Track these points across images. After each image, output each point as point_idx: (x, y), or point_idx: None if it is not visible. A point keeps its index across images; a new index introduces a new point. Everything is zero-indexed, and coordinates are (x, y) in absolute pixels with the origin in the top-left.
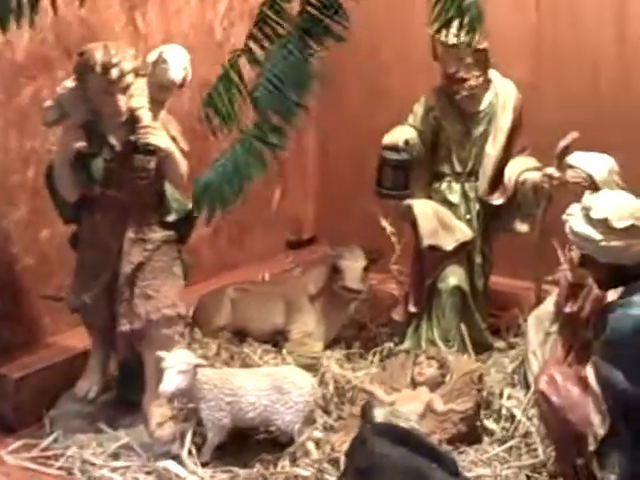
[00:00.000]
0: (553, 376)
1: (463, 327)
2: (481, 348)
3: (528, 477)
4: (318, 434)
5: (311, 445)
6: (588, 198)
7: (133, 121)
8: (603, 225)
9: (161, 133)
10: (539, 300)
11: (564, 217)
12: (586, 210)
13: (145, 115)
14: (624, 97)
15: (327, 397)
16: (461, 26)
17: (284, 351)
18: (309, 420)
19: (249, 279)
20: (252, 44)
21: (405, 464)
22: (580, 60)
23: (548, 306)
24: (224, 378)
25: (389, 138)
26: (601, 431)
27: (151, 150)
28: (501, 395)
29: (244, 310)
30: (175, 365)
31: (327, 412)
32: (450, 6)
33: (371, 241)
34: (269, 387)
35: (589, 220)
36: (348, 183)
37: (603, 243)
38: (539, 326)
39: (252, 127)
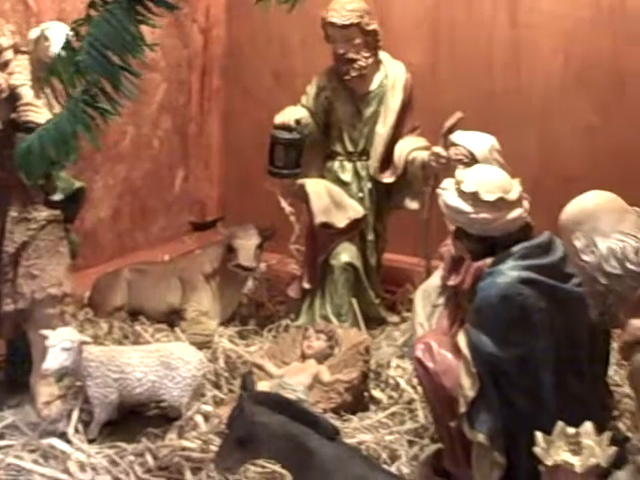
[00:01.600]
0: (429, 343)
1: (355, 302)
2: (375, 322)
3: (410, 442)
4: (207, 408)
5: (199, 418)
6: (460, 173)
7: (14, 99)
8: (473, 198)
9: (43, 111)
10: (429, 275)
11: (438, 191)
12: (458, 184)
13: (26, 93)
14: (515, 78)
15: (218, 372)
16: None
17: (177, 329)
18: (198, 394)
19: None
20: (92, 11)
21: (283, 431)
22: (474, 43)
23: (435, 280)
24: (110, 355)
25: (280, 117)
26: (471, 393)
27: (32, 128)
28: (389, 366)
29: (140, 290)
30: (59, 343)
31: (218, 386)
32: None
33: (275, 221)
34: (156, 363)
35: (460, 193)
36: (252, 164)
37: (473, 215)
38: (426, 299)
39: (79, 92)
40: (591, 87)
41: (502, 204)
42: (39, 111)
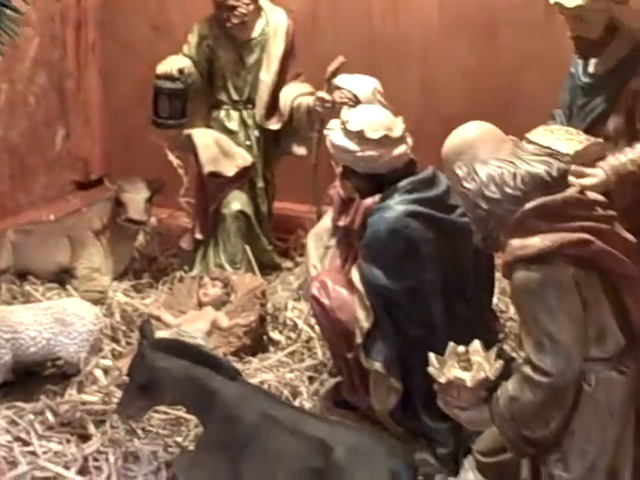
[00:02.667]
0: (324, 281)
1: (248, 249)
2: (269, 268)
3: (310, 378)
4: (106, 362)
5: (99, 372)
6: (345, 113)
7: None
8: (359, 136)
9: None
10: (320, 217)
11: (325, 132)
12: (343, 124)
13: None
14: (393, 23)
15: (114, 326)
16: None
17: (68, 287)
18: (95, 349)
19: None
20: None
21: (185, 375)
22: None
23: (326, 222)
24: (1, 316)
25: (162, 67)
26: (366, 325)
27: None
28: (286, 308)
29: (26, 251)
30: None
31: (115, 340)
32: None
33: (163, 175)
34: (50, 320)
35: (346, 133)
36: (135, 119)
37: (359, 154)
38: (318, 242)
39: None
40: (466, 31)
41: (387, 141)
42: None
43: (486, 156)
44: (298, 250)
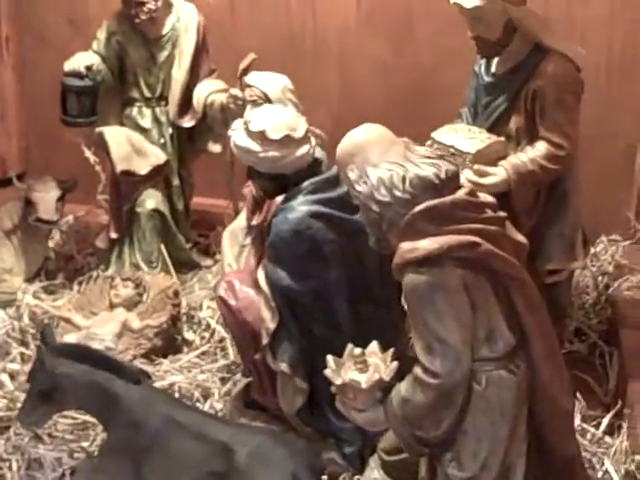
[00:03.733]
0: (231, 281)
1: (163, 248)
2: (187, 267)
3: (222, 378)
4: (14, 366)
5: (5, 377)
6: (248, 113)
7: None
8: (261, 137)
9: None
10: (237, 215)
11: (229, 132)
12: (246, 124)
13: None
14: (311, 19)
15: (23, 329)
16: None
17: None
18: (2, 353)
19: None
20: None
21: (87, 380)
22: None
23: (241, 221)
24: None
25: (70, 64)
26: (272, 325)
27: None
28: (201, 307)
29: None
30: None
31: (24, 343)
32: None
33: (81, 172)
34: None
35: (249, 133)
36: (53, 115)
37: (262, 154)
38: (234, 240)
39: None
40: (384, 26)
41: (289, 142)
42: None
43: (377, 159)
44: (218, 247)
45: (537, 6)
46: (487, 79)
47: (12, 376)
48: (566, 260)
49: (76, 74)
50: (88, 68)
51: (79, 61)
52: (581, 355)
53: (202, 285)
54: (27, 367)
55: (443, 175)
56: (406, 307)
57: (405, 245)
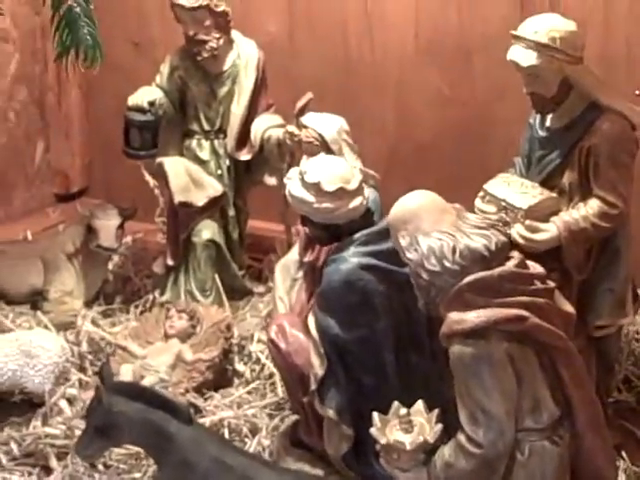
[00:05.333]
0: (282, 324)
1: (217, 279)
2: (240, 294)
3: (270, 415)
4: (72, 391)
5: (64, 403)
6: (304, 163)
7: None
8: (315, 188)
9: None
10: (290, 246)
11: (284, 180)
12: (301, 174)
13: None
14: (369, 49)
15: (82, 355)
16: (77, 55)
17: (39, 313)
18: (62, 380)
19: (11, 237)
20: None
21: (142, 418)
22: (329, 13)
23: (294, 254)
24: None
25: (133, 99)
26: (320, 372)
27: None
28: (252, 339)
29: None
30: None
31: (82, 369)
32: (67, 36)
33: (141, 191)
34: (16, 352)
35: (304, 184)
36: (115, 134)
37: (316, 205)
38: (286, 273)
39: None
40: (441, 58)
41: (343, 194)
42: None
43: (429, 227)
44: (271, 274)
45: (596, 47)
46: (541, 133)
47: (70, 401)
48: (616, 316)
49: (139, 109)
50: (151, 103)
51: (142, 96)
52: (629, 405)
53: (254, 313)
54: (84, 394)
55: (493, 247)
56: (453, 374)
57: (453, 316)
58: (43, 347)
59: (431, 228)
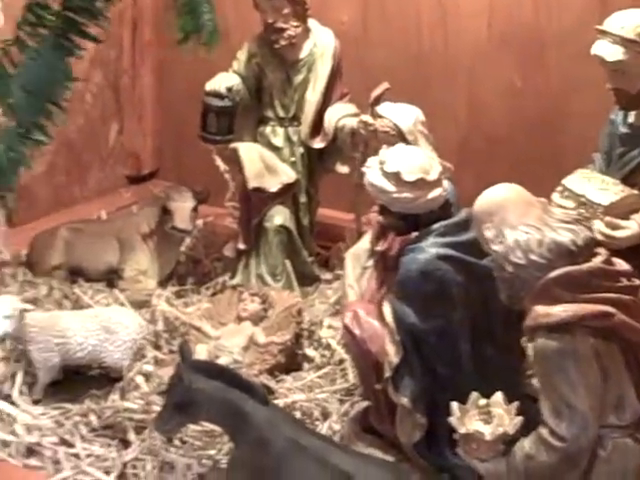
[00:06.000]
0: (356, 311)
1: (288, 263)
2: (308, 280)
3: (341, 400)
4: (148, 368)
5: (140, 379)
6: (383, 152)
7: None
8: (395, 178)
9: None
10: (360, 235)
11: (363, 169)
12: (381, 164)
13: None
14: (442, 39)
15: (157, 333)
16: (199, 40)
17: (115, 290)
18: (138, 356)
19: (86, 217)
20: (21, 33)
21: (220, 397)
22: (404, 6)
23: (365, 243)
24: (52, 321)
25: (211, 85)
26: (395, 360)
27: None
28: (322, 325)
29: (77, 249)
30: (0, 311)
31: (158, 347)
32: (189, 22)
33: (211, 175)
34: (97, 328)
35: (384, 173)
36: (186, 117)
37: (395, 195)
38: (356, 262)
39: (13, 126)
40: (514, 50)
41: (422, 184)
42: None
43: (515, 220)
44: (339, 261)
45: None
46: (623, 130)
47: (147, 377)
48: None
49: (217, 94)
50: (228, 89)
51: (220, 82)
52: None
53: (322, 300)
54: (160, 371)
55: (580, 242)
56: (535, 368)
57: (539, 309)
58: (122, 324)
59: (517, 221)
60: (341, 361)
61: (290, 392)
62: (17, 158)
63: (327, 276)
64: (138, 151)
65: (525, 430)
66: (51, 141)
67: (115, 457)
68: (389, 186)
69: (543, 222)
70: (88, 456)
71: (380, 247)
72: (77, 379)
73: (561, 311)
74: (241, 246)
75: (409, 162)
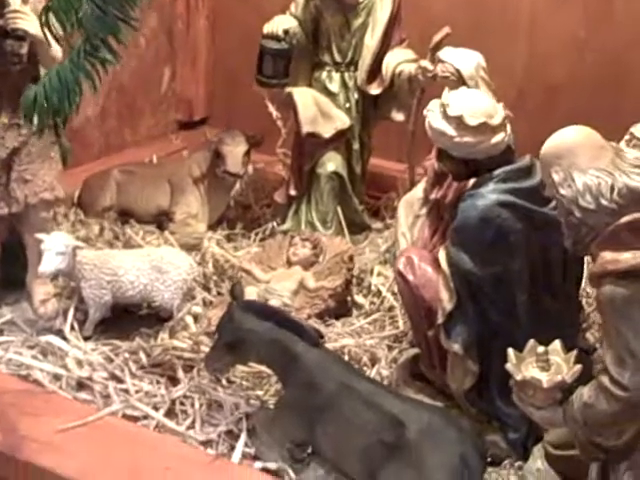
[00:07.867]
0: (410, 257)
1: (339, 210)
2: (359, 228)
3: (389, 346)
4: (197, 309)
5: (190, 319)
6: (446, 95)
7: (2, 6)
8: (457, 122)
9: (31, 18)
10: (412, 184)
11: (424, 112)
12: (443, 107)
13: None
14: None
15: (207, 275)
16: None
17: (166, 233)
18: (188, 297)
19: (137, 161)
20: None
21: (270, 337)
22: None
23: (418, 192)
24: (104, 259)
25: (269, 27)
26: (449, 306)
27: (21, 35)
28: (372, 272)
29: (129, 192)
30: (54, 247)
31: (207, 289)
32: None
33: (261, 122)
34: (148, 267)
35: (445, 116)
36: (239, 64)
37: (457, 139)
38: (409, 210)
39: (81, 43)
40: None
41: (485, 128)
42: (28, 18)
43: (585, 163)
44: (389, 211)
45: None
46: None
47: (195, 318)
48: None
49: (274, 37)
50: (285, 32)
51: (278, 24)
52: None
53: (372, 248)
54: (209, 312)
55: None
56: (599, 314)
57: (607, 255)
58: (173, 264)
59: (587, 165)
60: (390, 308)
61: (339, 337)
62: (81, 77)
63: (377, 225)
64: (190, 97)
65: (580, 383)
66: (119, 62)
67: (164, 394)
68: (450, 130)
69: (615, 166)
70: (137, 392)
71: (435, 195)
72: (126, 318)
73: (630, 258)
74: (292, 192)
75: (472, 105)
